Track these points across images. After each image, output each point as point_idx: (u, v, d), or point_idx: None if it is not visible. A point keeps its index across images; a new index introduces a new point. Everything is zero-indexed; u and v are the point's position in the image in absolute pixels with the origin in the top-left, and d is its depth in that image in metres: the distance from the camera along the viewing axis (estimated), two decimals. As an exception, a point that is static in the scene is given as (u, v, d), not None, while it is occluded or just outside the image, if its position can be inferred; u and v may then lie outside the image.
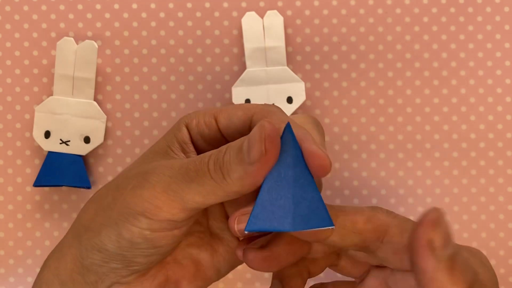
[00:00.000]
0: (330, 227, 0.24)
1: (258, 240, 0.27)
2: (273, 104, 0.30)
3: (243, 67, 0.39)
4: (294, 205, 0.24)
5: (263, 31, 0.38)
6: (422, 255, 0.23)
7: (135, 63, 0.40)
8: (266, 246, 0.27)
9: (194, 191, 0.25)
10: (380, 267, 0.29)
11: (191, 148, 0.29)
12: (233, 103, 0.36)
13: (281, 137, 0.25)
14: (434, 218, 0.23)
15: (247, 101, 0.38)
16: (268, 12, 0.38)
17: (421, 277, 0.23)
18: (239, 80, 0.38)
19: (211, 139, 0.29)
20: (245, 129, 0.28)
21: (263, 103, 0.31)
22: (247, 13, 0.38)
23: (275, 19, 0.38)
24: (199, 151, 0.29)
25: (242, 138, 0.25)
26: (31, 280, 0.39)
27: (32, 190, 0.40)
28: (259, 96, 0.38)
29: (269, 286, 0.39)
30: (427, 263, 0.23)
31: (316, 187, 0.25)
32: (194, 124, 0.29)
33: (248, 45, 0.38)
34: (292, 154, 0.25)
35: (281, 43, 0.38)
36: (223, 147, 0.25)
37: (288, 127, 0.25)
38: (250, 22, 0.38)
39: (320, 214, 0.24)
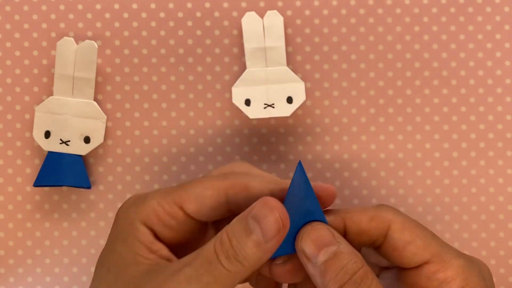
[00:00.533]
0: None
1: (279, 257, 0.28)
2: (238, 160, 0.29)
3: (243, 67, 0.39)
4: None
5: (263, 31, 0.38)
6: (304, 263, 0.26)
7: (135, 63, 0.40)
8: (288, 261, 0.28)
9: None
10: (389, 268, 0.31)
11: (159, 245, 0.28)
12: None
13: (293, 176, 0.27)
14: (304, 231, 0.26)
15: (247, 101, 0.38)
16: (268, 12, 0.38)
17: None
18: (239, 80, 0.38)
19: (181, 227, 0.28)
20: (221, 207, 0.28)
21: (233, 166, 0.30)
22: (247, 13, 0.38)
23: (275, 19, 0.38)
24: (167, 242, 0.28)
25: (236, 219, 0.26)
26: (31, 280, 0.39)
27: (32, 190, 0.40)
28: (259, 95, 0.38)
29: None
30: (308, 269, 0.26)
31: (323, 215, 0.27)
32: (154, 220, 0.27)
33: (248, 45, 0.38)
34: (303, 189, 0.27)
35: (281, 43, 0.38)
36: (223, 236, 0.25)
37: (299, 165, 0.27)
38: (250, 22, 0.38)
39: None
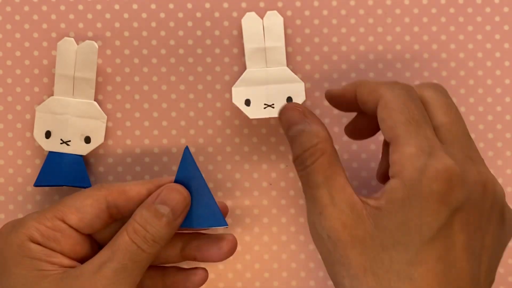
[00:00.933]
0: (224, 226, 0.32)
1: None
2: (109, 183, 0.33)
3: (243, 68, 0.39)
4: (194, 209, 0.32)
5: (263, 31, 0.38)
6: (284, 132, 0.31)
7: (135, 63, 0.40)
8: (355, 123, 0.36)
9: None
10: None
11: (58, 256, 0.29)
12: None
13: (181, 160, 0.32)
14: (281, 111, 0.30)
15: (247, 101, 0.38)
16: (268, 12, 0.39)
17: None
18: (239, 80, 0.38)
19: (67, 241, 0.30)
20: (103, 214, 0.31)
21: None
22: (247, 14, 0.39)
23: (275, 20, 0.39)
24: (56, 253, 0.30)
25: (141, 209, 0.30)
26: (31, 279, 0.40)
27: (33, 190, 0.40)
28: (259, 96, 0.38)
29: (269, 286, 0.40)
30: (287, 137, 0.30)
31: (211, 194, 0.32)
32: (40, 238, 0.29)
33: (248, 46, 0.38)
34: (192, 174, 0.32)
35: (281, 44, 0.38)
36: (134, 225, 0.29)
37: (186, 150, 0.32)
38: (250, 22, 0.39)
39: (216, 216, 0.32)
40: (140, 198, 0.31)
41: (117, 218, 0.32)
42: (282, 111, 0.30)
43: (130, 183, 0.32)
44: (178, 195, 0.30)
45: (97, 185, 0.32)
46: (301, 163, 0.28)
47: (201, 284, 0.34)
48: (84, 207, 0.30)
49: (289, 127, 0.30)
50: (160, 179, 0.33)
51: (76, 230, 0.30)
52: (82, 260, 0.30)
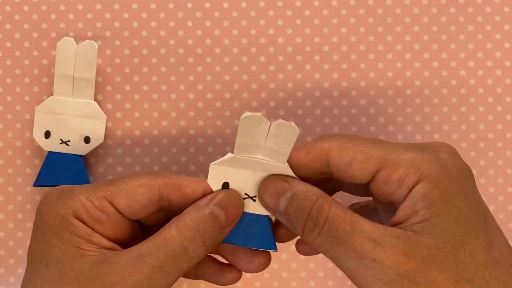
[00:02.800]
0: (273, 250, 0.30)
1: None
2: (166, 172, 0.30)
3: (243, 67, 0.39)
4: (246, 226, 0.30)
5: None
6: (273, 214, 0.29)
7: (135, 63, 0.40)
8: None
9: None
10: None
11: (98, 236, 0.28)
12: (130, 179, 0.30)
13: None
14: (260, 190, 0.29)
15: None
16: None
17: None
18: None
19: (111, 224, 0.29)
20: (152, 205, 0.29)
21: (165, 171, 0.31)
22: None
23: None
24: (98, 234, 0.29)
25: (194, 208, 0.28)
26: (31, 280, 0.39)
27: (32, 190, 0.40)
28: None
29: (269, 286, 0.39)
30: (278, 218, 0.29)
31: (268, 215, 0.30)
32: (84, 215, 0.28)
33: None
34: None
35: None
36: (186, 223, 0.27)
37: None
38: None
39: (267, 238, 0.30)
40: (194, 197, 0.29)
41: (167, 210, 0.30)
42: (262, 191, 0.29)
43: (187, 178, 0.30)
44: (235, 201, 0.29)
45: (153, 173, 0.30)
46: (313, 227, 0.26)
47: (232, 283, 0.32)
48: (136, 194, 0.28)
49: (277, 202, 0.28)
50: None
51: (122, 214, 0.29)
52: (122, 242, 0.29)
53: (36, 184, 0.38)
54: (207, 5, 0.40)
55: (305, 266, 0.40)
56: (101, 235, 0.28)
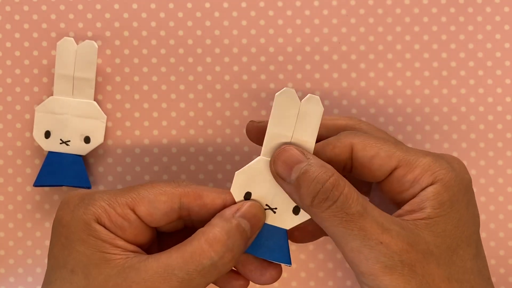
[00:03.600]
0: (288, 265, 0.30)
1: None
2: (186, 181, 0.30)
3: (243, 67, 0.39)
4: (264, 238, 0.30)
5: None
6: (280, 184, 0.29)
7: (135, 63, 0.40)
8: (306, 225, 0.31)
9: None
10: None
11: (121, 241, 0.28)
12: (147, 187, 0.30)
13: None
14: (275, 154, 0.29)
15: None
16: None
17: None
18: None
19: (132, 231, 0.28)
20: (172, 213, 0.29)
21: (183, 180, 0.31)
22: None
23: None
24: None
25: (220, 219, 0.28)
26: (31, 280, 0.39)
27: (32, 190, 0.40)
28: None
29: (269, 286, 0.39)
30: (284, 188, 0.29)
31: (285, 229, 0.30)
32: (106, 221, 0.28)
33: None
34: None
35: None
36: (215, 235, 0.27)
37: None
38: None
39: (284, 252, 0.30)
40: (214, 207, 0.29)
41: (186, 219, 0.31)
42: (276, 156, 0.29)
43: (207, 188, 0.30)
44: (260, 213, 0.29)
45: (175, 181, 0.30)
46: (325, 199, 0.27)
47: None
48: (157, 202, 0.28)
49: (290, 169, 0.28)
50: None
51: (143, 221, 0.29)
52: (141, 247, 0.29)
53: (36, 184, 0.38)
54: (207, 5, 0.40)
55: (305, 266, 0.40)
56: (124, 240, 0.28)
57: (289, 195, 0.29)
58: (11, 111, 0.40)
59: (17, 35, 0.40)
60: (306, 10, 0.40)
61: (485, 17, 0.40)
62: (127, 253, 0.27)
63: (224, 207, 0.29)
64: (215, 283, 0.31)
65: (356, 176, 0.30)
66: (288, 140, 0.29)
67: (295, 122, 0.29)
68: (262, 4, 0.40)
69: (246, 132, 0.33)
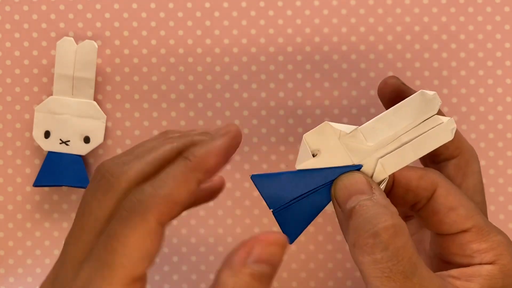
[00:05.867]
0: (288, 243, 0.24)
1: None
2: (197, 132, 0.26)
3: (243, 67, 0.39)
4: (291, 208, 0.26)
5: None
6: (336, 210, 0.25)
7: (135, 63, 0.40)
8: None
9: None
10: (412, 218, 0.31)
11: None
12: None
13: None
14: (341, 176, 0.25)
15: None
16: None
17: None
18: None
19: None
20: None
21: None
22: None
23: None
24: None
25: (224, 277, 0.21)
26: (31, 280, 0.39)
27: (32, 190, 0.40)
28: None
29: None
30: (337, 214, 0.25)
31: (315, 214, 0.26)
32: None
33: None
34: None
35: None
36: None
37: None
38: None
39: (296, 229, 0.26)
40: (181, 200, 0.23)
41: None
42: (340, 178, 0.25)
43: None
44: (279, 249, 0.22)
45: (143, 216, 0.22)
46: (374, 245, 0.23)
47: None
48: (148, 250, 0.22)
49: (348, 197, 0.24)
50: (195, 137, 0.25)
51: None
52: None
53: (35, 184, 0.38)
54: (207, 5, 0.40)
55: (306, 266, 0.40)
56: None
57: (339, 224, 0.26)
58: (11, 111, 0.40)
59: (17, 35, 0.40)
60: (306, 10, 0.40)
61: (485, 17, 0.40)
62: None
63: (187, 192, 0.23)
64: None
65: (421, 219, 0.28)
66: (391, 139, 0.25)
67: (412, 129, 0.25)
68: (262, 4, 0.40)
69: (378, 90, 0.30)
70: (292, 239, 0.27)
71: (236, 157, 0.40)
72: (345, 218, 0.24)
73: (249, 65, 0.40)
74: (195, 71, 0.40)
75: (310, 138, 0.26)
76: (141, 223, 0.21)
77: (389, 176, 0.26)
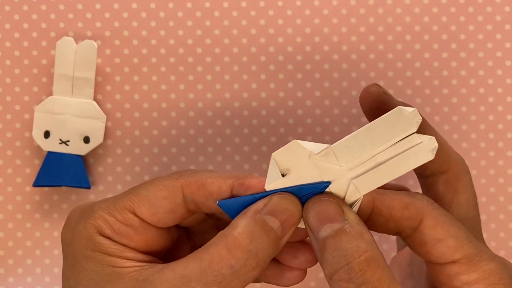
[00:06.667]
0: None
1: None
2: (190, 170, 0.27)
3: (243, 67, 0.39)
4: None
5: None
6: (309, 235, 0.24)
7: (135, 63, 0.40)
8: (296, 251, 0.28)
9: None
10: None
11: (132, 251, 0.25)
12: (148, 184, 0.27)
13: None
14: (312, 201, 0.24)
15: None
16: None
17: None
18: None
19: (142, 236, 0.26)
20: (178, 208, 0.26)
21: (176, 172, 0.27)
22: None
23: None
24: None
25: (243, 218, 0.24)
26: (30, 280, 0.39)
27: (32, 190, 0.40)
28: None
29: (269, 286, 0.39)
30: (311, 241, 0.24)
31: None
32: (109, 232, 0.25)
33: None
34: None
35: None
36: (235, 240, 0.23)
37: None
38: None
39: None
40: (221, 195, 0.25)
41: (196, 212, 0.27)
42: (311, 204, 0.24)
43: (211, 175, 0.26)
44: (292, 206, 0.24)
45: (176, 173, 0.26)
46: (348, 280, 0.22)
47: (296, 282, 0.28)
48: (157, 199, 0.25)
49: (319, 227, 0.23)
50: (246, 176, 0.26)
51: (150, 224, 0.26)
52: (162, 251, 0.27)
53: (35, 184, 0.38)
54: (207, 4, 0.40)
55: (305, 266, 0.40)
56: (134, 249, 0.25)
57: (314, 250, 0.25)
58: (11, 111, 0.40)
59: (16, 35, 0.40)
60: (306, 9, 0.40)
61: (485, 17, 0.40)
62: (141, 264, 0.24)
63: (232, 195, 0.26)
64: (268, 281, 0.28)
65: (408, 245, 0.26)
66: (366, 159, 0.23)
67: (389, 147, 0.23)
68: (262, 3, 0.40)
69: (360, 98, 0.28)
70: None
71: (236, 157, 0.40)
72: (319, 248, 0.23)
73: (249, 65, 0.40)
74: (195, 71, 0.40)
75: (279, 157, 0.24)
76: None
77: (369, 202, 0.25)
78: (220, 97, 0.40)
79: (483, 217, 0.39)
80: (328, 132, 0.40)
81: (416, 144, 0.23)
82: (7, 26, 0.39)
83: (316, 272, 0.39)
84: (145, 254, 0.26)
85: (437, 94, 0.40)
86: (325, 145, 0.24)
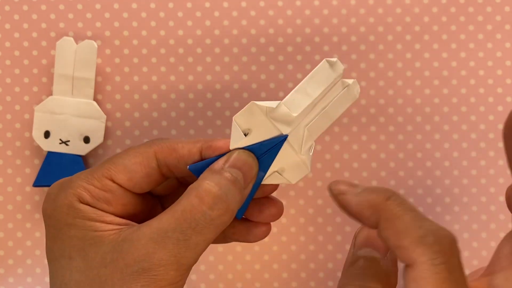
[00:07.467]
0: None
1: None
2: (161, 138, 0.29)
3: (243, 67, 0.39)
4: None
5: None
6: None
7: (135, 63, 0.40)
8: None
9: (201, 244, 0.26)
10: None
11: (110, 216, 0.27)
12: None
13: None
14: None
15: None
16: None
17: None
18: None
19: (120, 201, 0.27)
20: (153, 173, 0.28)
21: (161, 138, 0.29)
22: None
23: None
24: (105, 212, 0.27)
25: (210, 172, 0.26)
26: (30, 280, 0.39)
27: (32, 190, 0.40)
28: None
29: (269, 286, 0.39)
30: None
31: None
32: (89, 199, 0.27)
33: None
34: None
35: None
36: (205, 190, 0.25)
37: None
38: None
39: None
40: (191, 158, 0.28)
41: (170, 177, 0.29)
42: (360, 232, 0.26)
43: (181, 140, 0.28)
44: (250, 159, 0.27)
45: (148, 142, 0.29)
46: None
47: (263, 237, 0.30)
48: (133, 165, 0.27)
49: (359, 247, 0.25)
50: (212, 139, 0.29)
51: (127, 189, 0.28)
52: (138, 218, 0.28)
53: (35, 184, 0.38)
54: (207, 4, 0.40)
55: (305, 266, 0.40)
56: (113, 214, 0.27)
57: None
58: (11, 111, 0.40)
59: (16, 35, 0.40)
60: (307, 9, 0.40)
61: (485, 17, 0.40)
62: (120, 227, 0.26)
63: (202, 157, 0.28)
64: (236, 239, 0.30)
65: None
66: (311, 107, 0.27)
67: (325, 95, 0.27)
68: (262, 3, 0.40)
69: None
70: (239, 215, 0.28)
71: (236, 157, 0.40)
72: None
73: (249, 65, 0.40)
74: (195, 71, 0.40)
75: (240, 119, 0.27)
76: None
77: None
78: (220, 97, 0.40)
79: (483, 217, 0.40)
80: (328, 132, 0.40)
81: (345, 87, 0.27)
82: (7, 26, 0.39)
83: (316, 272, 0.40)
84: (123, 219, 0.27)
85: (437, 94, 0.40)
86: (278, 102, 0.27)
